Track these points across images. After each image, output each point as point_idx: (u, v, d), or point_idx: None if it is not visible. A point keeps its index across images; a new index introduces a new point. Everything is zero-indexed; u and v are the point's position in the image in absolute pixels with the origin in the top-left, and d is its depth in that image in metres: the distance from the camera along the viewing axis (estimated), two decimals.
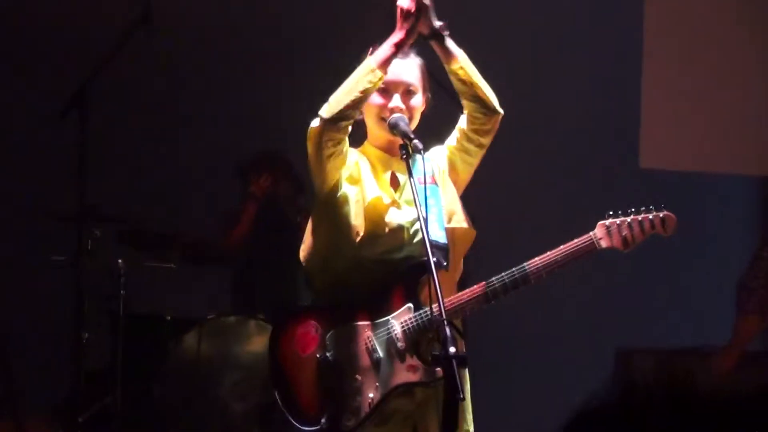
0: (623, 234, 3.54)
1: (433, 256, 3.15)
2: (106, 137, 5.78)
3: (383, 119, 3.48)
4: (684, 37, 6.35)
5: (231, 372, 5.41)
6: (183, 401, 5.37)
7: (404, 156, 3.37)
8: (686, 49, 6.35)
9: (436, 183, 3.52)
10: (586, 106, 6.71)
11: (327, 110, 3.40)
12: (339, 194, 3.47)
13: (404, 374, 3.41)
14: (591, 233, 3.54)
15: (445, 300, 3.16)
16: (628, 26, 6.48)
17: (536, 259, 3.47)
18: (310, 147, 3.44)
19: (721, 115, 6.32)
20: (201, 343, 5.37)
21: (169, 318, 5.57)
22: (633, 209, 3.57)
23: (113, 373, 5.32)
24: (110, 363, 5.39)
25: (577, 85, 6.71)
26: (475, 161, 3.60)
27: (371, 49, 3.46)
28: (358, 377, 3.41)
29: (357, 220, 3.45)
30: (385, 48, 3.40)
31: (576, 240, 3.52)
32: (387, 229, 3.45)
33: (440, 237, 3.43)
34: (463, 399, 3.05)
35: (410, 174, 3.32)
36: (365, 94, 3.39)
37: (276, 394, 3.47)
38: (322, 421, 3.39)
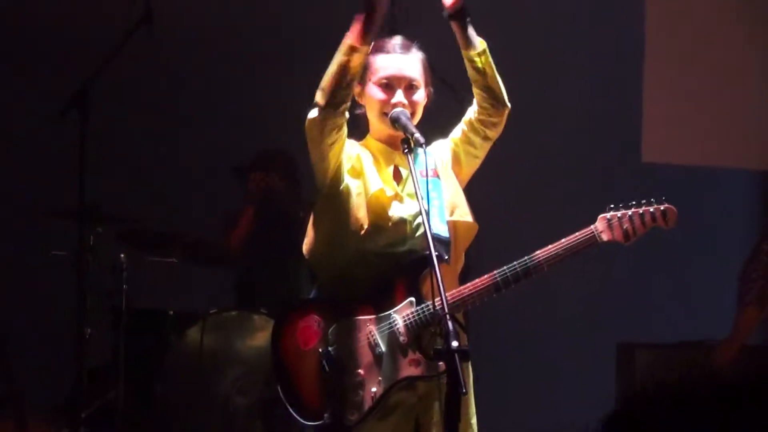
0: (624, 227, 3.54)
1: (435, 249, 3.15)
2: (106, 137, 5.78)
3: (385, 114, 3.48)
4: (685, 32, 6.36)
5: (233, 366, 5.41)
6: (185, 396, 5.37)
7: (406, 150, 3.37)
8: (687, 45, 6.36)
9: (438, 176, 3.53)
10: (588, 100, 6.72)
11: (321, 96, 3.41)
12: (341, 187, 3.48)
13: (406, 368, 3.41)
14: (592, 226, 3.54)
15: (447, 293, 3.16)
16: (630, 21, 6.49)
17: (537, 252, 3.48)
18: (312, 137, 3.44)
19: (722, 109, 6.33)
20: (203, 338, 5.37)
21: (171, 313, 5.56)
22: (634, 202, 3.57)
23: (116, 368, 5.32)
24: (112, 358, 5.39)
25: (579, 80, 6.72)
26: (479, 154, 3.60)
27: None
28: (361, 372, 3.41)
29: (359, 213, 3.45)
30: (357, 22, 3.39)
31: (577, 233, 3.52)
32: (390, 223, 3.45)
33: (442, 231, 3.43)
34: (466, 393, 3.05)
35: (412, 168, 3.33)
36: (349, 72, 3.37)
37: (278, 388, 3.47)
38: (325, 415, 3.39)
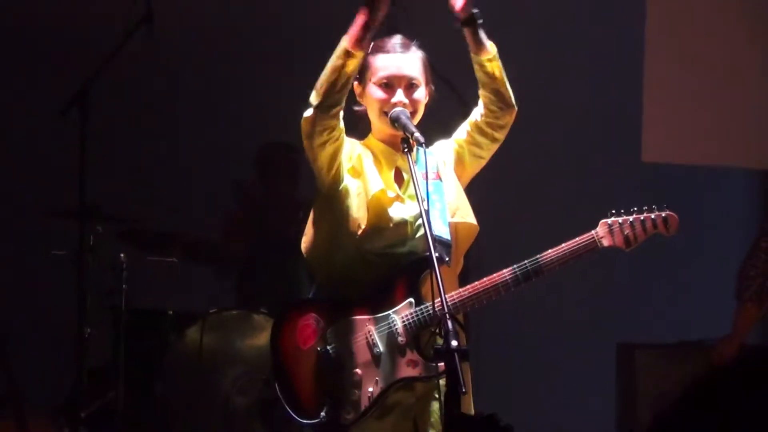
0: (625, 233, 3.54)
1: (435, 251, 3.15)
2: (106, 137, 5.78)
3: (386, 113, 3.48)
4: (685, 32, 6.36)
5: (233, 366, 5.41)
6: (185, 396, 5.37)
7: (405, 149, 3.38)
8: (687, 45, 6.36)
9: (440, 178, 3.53)
10: (588, 100, 6.73)
11: (315, 97, 3.41)
12: (341, 187, 3.48)
13: (404, 369, 3.41)
14: (593, 232, 3.54)
15: (447, 295, 3.15)
16: (630, 21, 6.49)
17: (538, 256, 3.47)
18: (305, 136, 3.45)
19: (722, 109, 6.33)
20: (203, 338, 5.37)
21: (171, 312, 5.57)
22: (635, 208, 3.57)
23: (116, 368, 5.32)
24: (112, 358, 5.39)
25: (579, 80, 6.72)
26: (485, 155, 3.61)
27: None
28: (358, 371, 3.41)
29: (359, 213, 3.45)
30: (355, 27, 3.39)
31: (578, 238, 3.52)
32: (390, 224, 3.45)
33: (443, 232, 3.43)
34: (466, 392, 3.05)
35: (412, 168, 3.33)
36: (344, 75, 3.37)
37: (276, 386, 3.47)
38: (322, 414, 3.40)
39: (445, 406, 3.07)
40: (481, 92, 3.55)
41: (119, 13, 5.05)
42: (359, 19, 3.39)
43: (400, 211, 3.48)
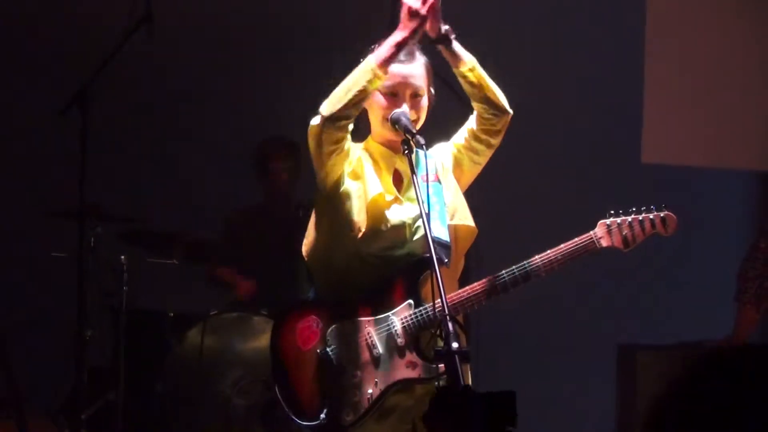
0: (624, 233, 3.55)
1: (435, 252, 3.15)
2: (106, 137, 5.78)
3: (388, 120, 3.48)
4: (685, 32, 6.36)
5: (233, 368, 5.41)
6: (185, 397, 5.37)
7: (406, 152, 3.37)
8: (687, 45, 6.36)
9: (439, 181, 3.53)
10: (588, 101, 6.73)
11: (326, 108, 3.40)
12: (341, 190, 3.48)
13: (403, 370, 3.42)
14: (591, 232, 3.54)
15: (446, 297, 3.15)
16: (630, 21, 6.49)
17: (536, 257, 3.48)
18: (311, 144, 3.45)
19: (722, 109, 6.33)
20: (203, 339, 5.37)
21: (171, 314, 5.57)
22: (634, 209, 3.57)
23: (116, 369, 5.32)
24: (113, 359, 5.39)
25: (579, 79, 6.72)
26: (482, 161, 3.61)
27: (373, 47, 3.46)
28: (358, 373, 3.42)
29: (359, 216, 3.45)
30: (386, 47, 3.39)
31: (577, 239, 3.52)
32: (389, 226, 3.45)
33: (443, 234, 3.43)
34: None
35: (412, 170, 3.33)
36: (364, 94, 3.38)
37: (276, 388, 3.48)
38: (321, 416, 3.40)
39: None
40: (472, 103, 3.55)
41: (119, 13, 5.04)
42: (393, 40, 3.38)
43: (399, 213, 3.48)
